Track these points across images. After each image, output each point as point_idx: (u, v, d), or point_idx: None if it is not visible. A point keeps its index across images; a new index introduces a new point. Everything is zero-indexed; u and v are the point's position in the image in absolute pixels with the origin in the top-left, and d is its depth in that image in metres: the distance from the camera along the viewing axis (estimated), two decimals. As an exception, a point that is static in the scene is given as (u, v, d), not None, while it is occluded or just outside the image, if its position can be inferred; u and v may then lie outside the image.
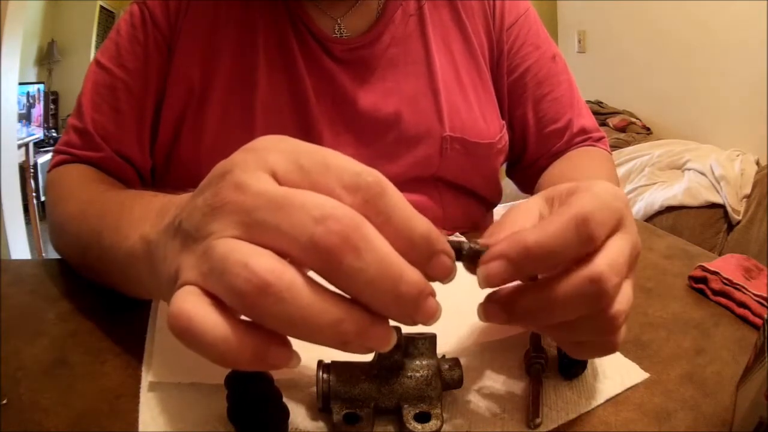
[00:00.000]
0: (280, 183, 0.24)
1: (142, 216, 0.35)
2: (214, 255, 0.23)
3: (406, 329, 0.28)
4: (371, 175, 0.24)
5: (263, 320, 0.23)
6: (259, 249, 0.23)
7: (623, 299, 0.29)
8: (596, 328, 0.29)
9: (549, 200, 0.33)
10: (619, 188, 0.32)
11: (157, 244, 0.30)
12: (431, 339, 0.33)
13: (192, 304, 0.23)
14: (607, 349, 0.32)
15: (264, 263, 0.22)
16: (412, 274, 0.23)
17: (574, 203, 0.28)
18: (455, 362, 0.34)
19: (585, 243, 0.27)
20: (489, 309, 0.30)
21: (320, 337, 0.23)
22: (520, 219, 0.31)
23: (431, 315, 0.24)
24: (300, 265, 0.23)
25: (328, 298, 0.23)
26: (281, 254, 0.23)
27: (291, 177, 0.24)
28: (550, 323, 0.29)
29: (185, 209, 0.27)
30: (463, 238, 0.63)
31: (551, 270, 0.28)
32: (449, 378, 0.33)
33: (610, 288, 0.27)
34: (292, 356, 0.24)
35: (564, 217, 0.27)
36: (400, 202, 0.24)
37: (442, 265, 0.25)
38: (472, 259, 0.29)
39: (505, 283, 0.28)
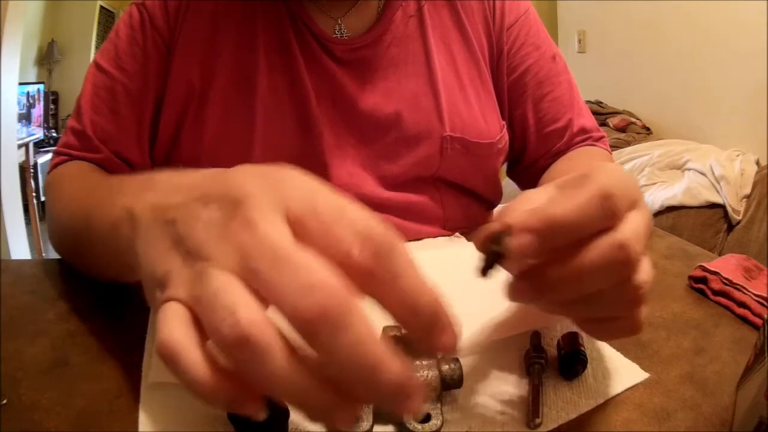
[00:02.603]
0: (295, 226, 0.24)
1: (126, 188, 0.35)
2: (208, 286, 0.23)
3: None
4: (384, 230, 0.24)
5: (237, 366, 0.23)
6: (248, 298, 0.23)
7: (645, 270, 0.30)
8: (621, 299, 0.30)
9: (560, 188, 0.33)
10: (628, 172, 0.33)
11: (140, 221, 0.30)
12: None
13: (180, 337, 0.23)
14: (631, 328, 0.32)
15: (249, 315, 0.22)
16: (390, 367, 0.22)
17: (595, 180, 0.29)
18: (455, 362, 0.34)
19: (609, 216, 0.28)
20: (518, 286, 0.30)
21: (288, 400, 0.23)
22: (531, 200, 0.32)
23: (409, 411, 0.23)
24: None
25: (300, 368, 0.22)
26: (269, 304, 0.23)
27: (305, 220, 0.24)
28: (579, 295, 0.29)
29: (183, 209, 0.27)
30: (462, 238, 0.63)
31: (573, 243, 0.29)
32: (449, 378, 0.33)
33: (634, 255, 0.28)
34: (260, 412, 0.24)
35: (588, 192, 0.28)
36: (410, 264, 0.24)
37: (447, 339, 0.24)
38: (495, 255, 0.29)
39: (531, 256, 0.29)
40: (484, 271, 0.30)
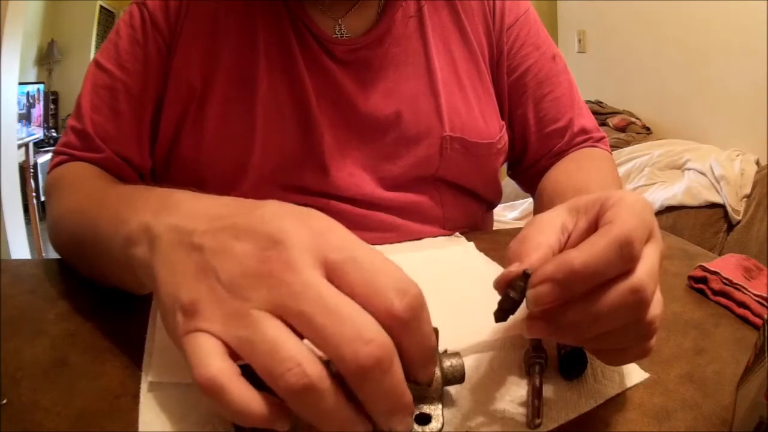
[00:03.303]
0: (331, 272, 0.26)
1: (143, 204, 0.35)
2: (261, 333, 0.25)
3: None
4: (415, 285, 0.26)
5: (290, 403, 0.25)
6: (305, 348, 0.24)
7: (657, 303, 0.31)
8: (635, 334, 0.31)
9: (573, 211, 0.34)
10: (643, 197, 0.34)
11: (160, 241, 0.30)
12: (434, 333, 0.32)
13: (222, 372, 0.25)
14: (643, 354, 0.33)
15: (315, 368, 0.24)
16: (408, 396, 0.26)
17: (616, 222, 0.30)
18: (457, 357, 0.33)
19: (627, 262, 0.29)
20: (534, 325, 0.31)
21: (328, 430, 0.25)
22: (544, 232, 0.33)
23: (406, 428, 0.27)
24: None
25: (345, 406, 0.25)
26: (310, 342, 0.25)
27: (345, 268, 0.26)
28: (594, 334, 0.30)
29: (211, 236, 0.28)
30: (462, 238, 0.63)
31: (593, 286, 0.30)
32: (450, 374, 0.32)
33: (648, 296, 0.29)
34: (287, 425, 0.26)
35: (607, 239, 0.29)
36: (427, 316, 0.27)
37: (427, 376, 0.28)
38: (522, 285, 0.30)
39: (552, 304, 0.30)
40: (501, 316, 0.31)
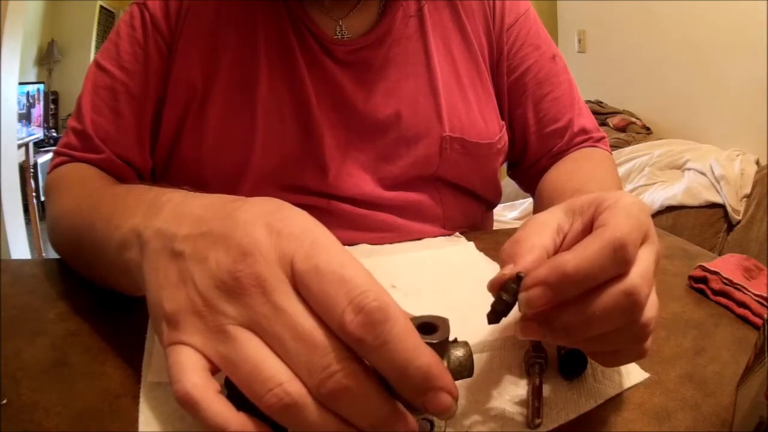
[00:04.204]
0: (296, 282, 0.26)
1: (135, 207, 0.35)
2: (243, 352, 0.25)
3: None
4: (378, 299, 0.24)
5: (275, 418, 0.25)
6: (286, 368, 0.25)
7: (651, 306, 0.31)
8: (629, 337, 0.31)
9: (569, 212, 0.34)
10: (640, 199, 0.34)
11: (148, 245, 0.31)
12: (444, 322, 0.31)
13: (200, 387, 0.25)
14: (639, 355, 0.33)
15: (296, 388, 0.24)
16: (390, 407, 0.25)
17: (610, 225, 0.29)
18: (465, 348, 0.29)
19: (621, 266, 0.29)
20: (527, 327, 0.31)
21: None
22: (539, 233, 0.32)
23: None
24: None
25: (334, 417, 0.25)
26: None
27: (306, 279, 0.26)
28: (588, 336, 0.30)
29: (190, 243, 0.28)
30: (462, 238, 0.63)
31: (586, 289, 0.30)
32: (456, 366, 0.28)
33: (642, 299, 0.29)
34: None
35: (601, 242, 0.29)
36: (402, 331, 0.24)
37: (438, 402, 0.25)
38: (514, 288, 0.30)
39: (545, 307, 0.29)
40: (494, 318, 0.30)
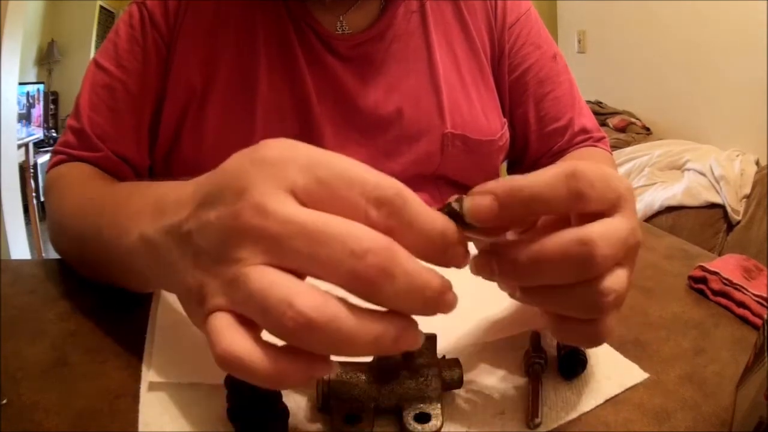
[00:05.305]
0: (302, 199, 0.25)
1: (139, 211, 0.35)
2: (251, 287, 0.24)
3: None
4: (392, 187, 0.25)
5: (308, 348, 0.24)
6: (297, 283, 0.23)
7: (616, 280, 0.28)
8: (583, 301, 0.29)
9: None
10: (623, 177, 0.32)
11: (160, 245, 0.30)
12: (431, 339, 0.33)
13: (238, 344, 0.24)
14: (592, 336, 0.30)
15: (307, 301, 0.23)
16: (434, 279, 0.24)
17: (569, 162, 0.28)
18: (455, 362, 0.34)
19: (574, 197, 0.27)
20: (479, 260, 0.29)
21: (360, 353, 0.24)
22: None
23: (451, 307, 0.25)
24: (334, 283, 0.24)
25: (365, 318, 0.24)
26: (315, 277, 0.24)
27: (314, 194, 0.25)
28: (537, 282, 0.29)
29: (193, 218, 0.27)
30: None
31: (536, 221, 0.29)
32: (449, 378, 0.33)
33: (599, 256, 0.27)
34: (332, 366, 0.25)
35: (555, 169, 0.28)
36: (418, 206, 0.25)
37: (458, 255, 0.26)
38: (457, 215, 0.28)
39: (489, 222, 0.28)
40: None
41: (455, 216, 0.28)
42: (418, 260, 0.25)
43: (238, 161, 0.27)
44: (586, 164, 0.28)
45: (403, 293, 0.24)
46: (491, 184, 0.28)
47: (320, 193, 0.25)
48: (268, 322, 0.23)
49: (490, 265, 0.29)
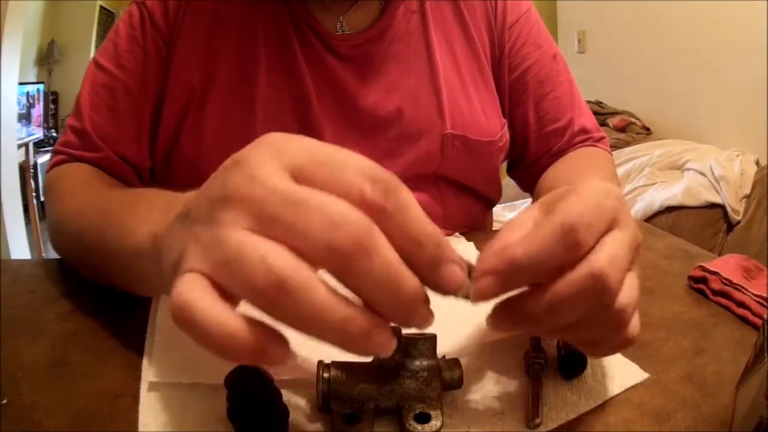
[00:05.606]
0: (297, 178, 0.25)
1: (148, 212, 0.35)
2: (228, 246, 0.23)
3: (406, 330, 0.28)
4: (387, 172, 0.25)
5: (274, 314, 0.23)
6: (275, 244, 0.23)
7: (628, 292, 0.29)
8: (604, 325, 0.29)
9: (543, 207, 0.33)
10: (612, 185, 0.32)
11: (164, 236, 0.30)
12: (431, 339, 0.33)
13: (197, 296, 0.23)
14: (621, 344, 0.31)
15: (281, 259, 0.22)
16: (411, 279, 0.24)
17: (561, 209, 0.28)
18: (455, 363, 0.34)
19: (572, 249, 0.27)
20: (496, 318, 0.30)
21: (326, 335, 0.23)
22: (515, 233, 0.31)
23: (425, 320, 0.25)
24: (310, 263, 0.23)
25: (338, 298, 0.23)
26: (293, 250, 0.23)
27: (310, 171, 0.25)
28: (557, 325, 0.29)
29: (194, 201, 0.27)
30: (462, 238, 0.63)
31: (544, 277, 0.28)
32: (449, 378, 0.33)
33: (611, 282, 0.27)
34: (289, 353, 0.24)
35: (549, 227, 0.27)
36: (413, 201, 0.25)
37: (452, 274, 0.25)
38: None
39: (495, 297, 0.28)
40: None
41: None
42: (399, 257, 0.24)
43: (245, 149, 0.27)
44: (576, 199, 0.28)
45: (377, 279, 0.23)
46: (490, 262, 0.27)
47: (316, 172, 0.25)
48: (240, 280, 0.23)
49: (507, 321, 0.29)
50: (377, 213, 0.24)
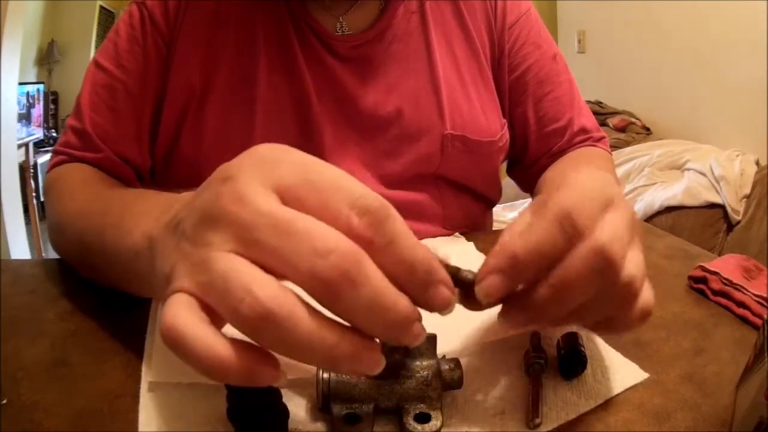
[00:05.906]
0: (286, 198, 0.25)
1: (146, 212, 0.35)
2: (215, 270, 0.24)
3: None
4: (378, 200, 0.25)
5: (260, 342, 0.23)
6: (261, 273, 0.23)
7: (633, 263, 0.29)
8: (613, 301, 0.29)
9: (537, 210, 0.33)
10: (604, 173, 0.32)
11: (158, 240, 0.30)
12: (431, 339, 0.33)
13: (184, 320, 0.23)
14: (636, 319, 0.31)
15: (267, 291, 0.22)
16: (403, 303, 0.24)
17: (555, 201, 0.28)
18: (455, 362, 0.34)
19: (571, 236, 0.28)
20: (509, 315, 0.30)
21: (314, 360, 0.24)
22: (514, 232, 0.31)
23: (416, 338, 0.25)
24: (298, 286, 0.24)
25: (324, 325, 0.23)
26: (278, 275, 0.23)
27: (300, 192, 0.25)
28: (568, 308, 0.29)
29: (185, 209, 0.27)
30: (462, 238, 0.63)
31: (548, 270, 0.28)
32: (449, 378, 0.33)
33: (615, 256, 0.27)
34: (279, 376, 0.24)
35: (546, 218, 0.28)
36: (403, 229, 0.25)
37: (440, 296, 0.26)
38: (466, 287, 0.29)
39: (504, 295, 0.28)
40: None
41: (463, 285, 0.28)
42: (389, 282, 0.24)
43: (237, 159, 0.27)
44: (565, 191, 0.29)
45: (365, 307, 0.23)
46: (492, 262, 0.28)
47: (306, 193, 0.25)
48: (226, 307, 0.23)
49: (518, 314, 0.29)
50: (367, 246, 0.24)
